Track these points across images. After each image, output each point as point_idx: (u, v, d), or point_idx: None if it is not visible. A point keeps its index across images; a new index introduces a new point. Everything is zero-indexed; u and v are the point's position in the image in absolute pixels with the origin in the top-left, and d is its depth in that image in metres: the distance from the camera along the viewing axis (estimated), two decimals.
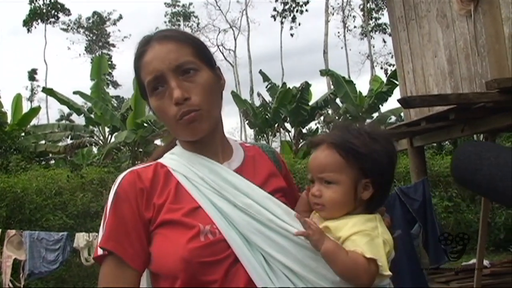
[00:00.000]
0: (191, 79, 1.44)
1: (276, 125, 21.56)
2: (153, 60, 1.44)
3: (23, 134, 18.43)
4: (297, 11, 40.42)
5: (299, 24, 41.24)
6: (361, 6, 40.27)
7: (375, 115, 20.59)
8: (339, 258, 1.29)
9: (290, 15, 40.75)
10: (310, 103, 20.50)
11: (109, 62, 37.95)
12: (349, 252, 1.31)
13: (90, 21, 46.72)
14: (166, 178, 1.47)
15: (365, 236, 1.33)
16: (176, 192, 1.44)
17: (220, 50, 41.79)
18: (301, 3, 40.26)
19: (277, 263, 1.35)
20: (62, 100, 18.23)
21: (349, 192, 1.40)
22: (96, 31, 46.88)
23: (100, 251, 1.41)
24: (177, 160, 1.51)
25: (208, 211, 1.40)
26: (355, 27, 42.56)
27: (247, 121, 23.01)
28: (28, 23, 40.23)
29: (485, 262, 6.94)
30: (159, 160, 1.54)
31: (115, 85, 45.76)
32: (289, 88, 20.39)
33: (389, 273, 1.33)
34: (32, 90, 43.36)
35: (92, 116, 19.10)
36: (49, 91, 18.88)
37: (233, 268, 1.34)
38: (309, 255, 1.35)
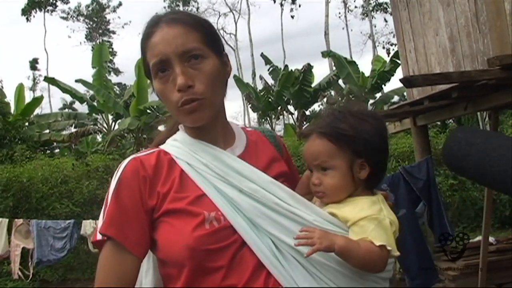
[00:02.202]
0: (196, 66, 1.42)
1: (279, 108, 21.54)
2: (160, 42, 1.43)
3: (27, 124, 18.47)
4: None
5: (299, 6, 41.06)
6: None
7: (378, 95, 20.54)
8: (354, 253, 1.32)
9: None
10: (313, 85, 20.45)
11: (110, 49, 37.93)
12: (360, 242, 1.33)
13: (90, 8, 46.57)
14: (170, 166, 1.47)
15: (372, 221, 1.36)
16: (180, 180, 1.44)
17: (220, 35, 41.47)
18: None
19: (286, 246, 1.36)
20: (64, 88, 18.25)
21: (346, 175, 1.43)
22: (96, 18, 46.75)
23: (99, 236, 1.42)
24: (180, 148, 1.50)
25: (213, 198, 1.40)
26: (356, 7, 42.49)
27: (250, 105, 22.99)
28: (26, 12, 40.16)
29: (491, 239, 6.96)
30: (161, 147, 1.54)
31: (117, 72, 45.75)
32: (291, 70, 20.31)
33: (398, 253, 1.36)
34: (34, 79, 43.42)
35: (95, 104, 19.12)
36: (51, 80, 18.87)
37: (239, 253, 1.36)
38: None
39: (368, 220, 1.36)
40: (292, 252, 1.35)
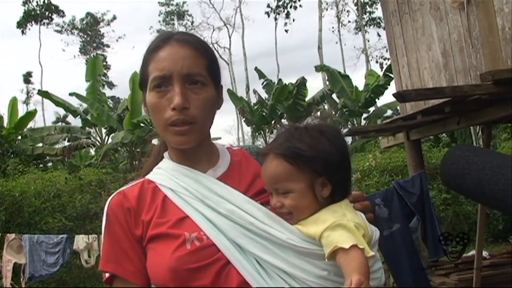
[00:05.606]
0: (196, 91, 1.45)
1: (273, 121, 21.59)
2: (168, 58, 1.45)
3: (20, 137, 18.41)
4: (290, 7, 40.30)
5: (293, 20, 41.17)
6: (355, 1, 40.24)
7: (372, 109, 20.63)
8: (362, 268, 1.25)
9: (284, 11, 40.64)
10: (307, 99, 20.55)
11: (104, 63, 37.95)
12: (342, 259, 1.28)
13: (84, 22, 46.65)
14: (154, 194, 1.50)
15: (335, 228, 1.32)
16: (163, 206, 1.47)
17: (214, 48, 41.47)
18: None
19: (268, 265, 1.36)
20: (58, 102, 18.24)
21: (308, 195, 1.40)
22: (90, 32, 46.83)
23: (107, 274, 1.47)
24: (163, 174, 1.54)
25: (195, 220, 1.42)
26: (349, 21, 42.58)
27: (243, 119, 23.03)
28: (22, 25, 40.15)
29: (484, 253, 6.95)
30: (147, 176, 1.57)
31: (111, 85, 45.72)
32: (285, 84, 20.40)
33: (372, 253, 1.30)
34: (27, 93, 43.32)
35: (89, 117, 19.11)
36: (44, 94, 18.87)
37: (224, 271, 1.36)
38: (291, 254, 1.36)
39: (331, 228, 1.32)
40: (275, 270, 1.35)
